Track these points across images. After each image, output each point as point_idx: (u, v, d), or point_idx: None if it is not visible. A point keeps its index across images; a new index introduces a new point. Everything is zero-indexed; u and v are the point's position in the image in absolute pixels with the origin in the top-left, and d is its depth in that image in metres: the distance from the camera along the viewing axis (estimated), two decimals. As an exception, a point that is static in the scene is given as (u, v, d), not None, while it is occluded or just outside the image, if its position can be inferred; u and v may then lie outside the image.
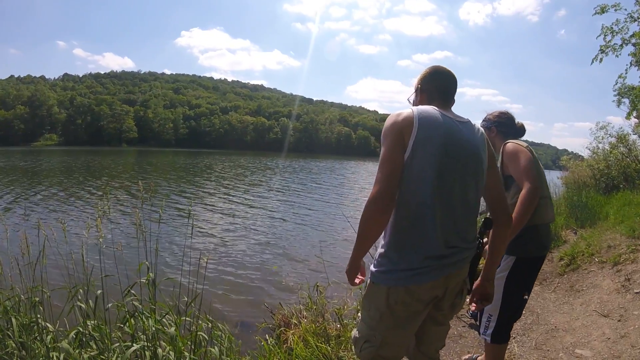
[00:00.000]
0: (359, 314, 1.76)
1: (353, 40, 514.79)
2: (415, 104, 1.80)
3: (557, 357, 3.14)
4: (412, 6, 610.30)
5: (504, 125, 2.61)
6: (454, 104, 1.77)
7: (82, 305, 2.74)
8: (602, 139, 11.96)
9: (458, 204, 1.56)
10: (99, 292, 2.72)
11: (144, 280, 2.78)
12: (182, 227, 9.04)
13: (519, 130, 2.64)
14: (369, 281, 1.65)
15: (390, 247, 1.57)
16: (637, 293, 3.90)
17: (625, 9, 11.27)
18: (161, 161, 42.72)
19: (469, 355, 3.17)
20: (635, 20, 11.01)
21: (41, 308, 2.77)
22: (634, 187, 9.56)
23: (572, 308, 4.00)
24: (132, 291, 2.77)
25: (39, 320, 2.69)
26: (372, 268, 1.62)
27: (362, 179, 30.15)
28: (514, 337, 3.45)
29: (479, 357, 2.99)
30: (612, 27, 11.42)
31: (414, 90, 1.83)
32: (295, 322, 3.61)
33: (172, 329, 2.67)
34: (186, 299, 2.92)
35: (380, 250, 1.61)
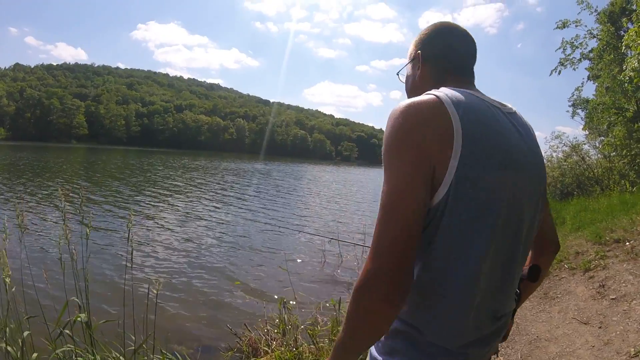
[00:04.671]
0: None
1: (312, 43, 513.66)
2: (412, 84, 1.04)
3: (545, 370, 2.98)
4: (374, 12, 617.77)
5: None
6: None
7: (10, 349, 2.14)
8: (557, 148, 12.51)
9: (518, 255, 0.90)
10: (26, 333, 2.14)
11: (77, 320, 2.27)
12: (123, 241, 7.34)
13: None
14: None
15: (411, 325, 0.86)
16: (613, 299, 3.86)
17: (586, 26, 12.01)
18: (108, 160, 39.79)
19: None
20: (594, 37, 11.63)
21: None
22: (587, 194, 9.93)
23: (551, 316, 3.90)
24: (67, 331, 2.24)
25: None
26: (374, 353, 0.92)
27: (321, 184, 29.91)
28: (499, 350, 3.26)
29: None
30: (572, 42, 12.07)
31: (408, 62, 1.07)
32: (265, 347, 3.23)
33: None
34: (134, 337, 2.40)
35: (394, 325, 0.87)
